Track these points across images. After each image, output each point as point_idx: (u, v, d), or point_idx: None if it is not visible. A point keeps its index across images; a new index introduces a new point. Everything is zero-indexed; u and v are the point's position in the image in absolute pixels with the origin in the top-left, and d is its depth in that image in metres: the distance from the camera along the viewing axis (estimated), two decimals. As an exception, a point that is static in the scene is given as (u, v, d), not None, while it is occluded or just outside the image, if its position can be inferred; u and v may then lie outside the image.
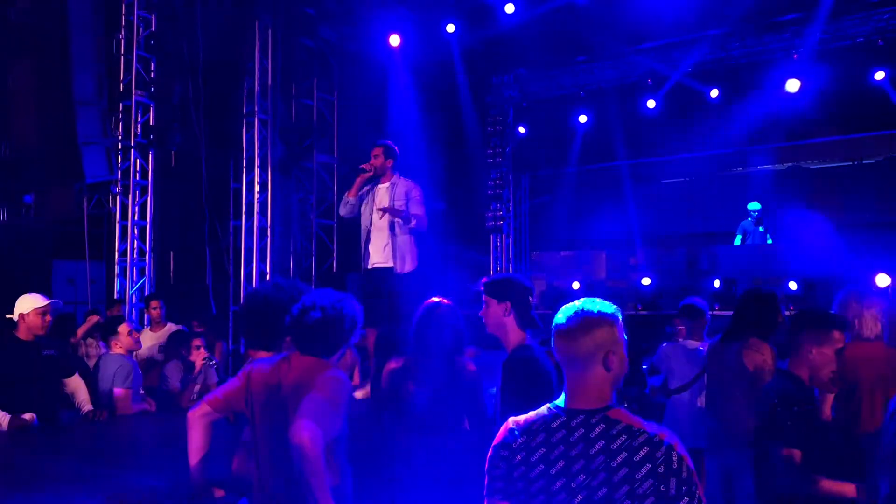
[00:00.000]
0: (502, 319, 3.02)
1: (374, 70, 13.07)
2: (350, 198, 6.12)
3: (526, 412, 2.01)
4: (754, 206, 11.89)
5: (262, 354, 3.04)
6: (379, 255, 5.94)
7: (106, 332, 5.40)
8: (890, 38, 9.72)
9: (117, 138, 9.52)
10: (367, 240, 6.02)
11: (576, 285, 11.36)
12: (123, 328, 5.20)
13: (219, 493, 2.76)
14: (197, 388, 5.29)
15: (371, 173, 6.07)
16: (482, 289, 3.12)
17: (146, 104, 9.79)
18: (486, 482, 1.96)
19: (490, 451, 1.97)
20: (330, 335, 2.70)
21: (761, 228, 11.82)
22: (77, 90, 8.39)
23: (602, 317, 1.92)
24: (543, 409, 1.97)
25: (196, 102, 9.67)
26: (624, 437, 1.84)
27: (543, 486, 1.85)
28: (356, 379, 6.79)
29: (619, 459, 1.81)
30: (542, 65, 12.13)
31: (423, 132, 14.57)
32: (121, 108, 9.65)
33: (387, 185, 6.07)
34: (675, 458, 1.81)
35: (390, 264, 5.91)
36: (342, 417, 2.59)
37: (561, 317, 1.96)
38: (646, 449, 1.81)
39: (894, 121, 10.30)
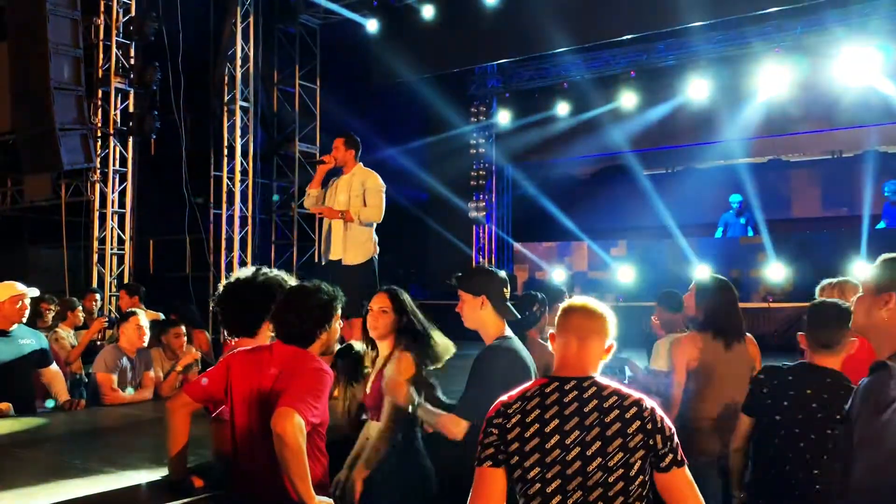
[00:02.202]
0: (479, 313, 2.96)
1: (357, 57, 13.01)
2: (312, 190, 6.02)
3: (484, 397, 2.30)
4: (736, 198, 12.00)
5: (243, 342, 3.01)
6: (338, 247, 5.86)
7: (121, 320, 5.29)
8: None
9: (96, 125, 9.38)
10: (329, 231, 5.94)
11: (559, 276, 11.39)
12: (134, 320, 5.10)
13: (198, 483, 2.74)
14: (179, 378, 5.24)
15: (332, 164, 5.97)
16: (455, 283, 3.05)
17: (125, 91, 9.65)
18: (477, 453, 2.08)
19: (483, 425, 2.11)
20: (309, 325, 2.69)
21: (742, 220, 11.93)
22: (54, 75, 8.24)
23: (607, 309, 2.23)
24: (534, 382, 2.16)
25: (176, 89, 9.56)
26: (615, 397, 2.04)
27: (538, 445, 2.00)
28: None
29: (611, 416, 2.01)
30: (525, 55, 12.10)
31: (406, 122, 14.54)
32: (99, 95, 9.51)
33: (348, 175, 5.95)
34: (658, 418, 2.03)
35: (339, 256, 5.85)
36: (324, 406, 2.58)
37: (575, 300, 2.27)
38: (635, 408, 2.02)
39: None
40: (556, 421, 2.01)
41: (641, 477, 1.99)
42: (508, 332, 2.99)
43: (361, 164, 6.00)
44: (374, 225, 5.95)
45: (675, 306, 4.81)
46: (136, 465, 3.29)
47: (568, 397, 2.04)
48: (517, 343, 2.96)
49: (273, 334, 2.84)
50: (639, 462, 1.98)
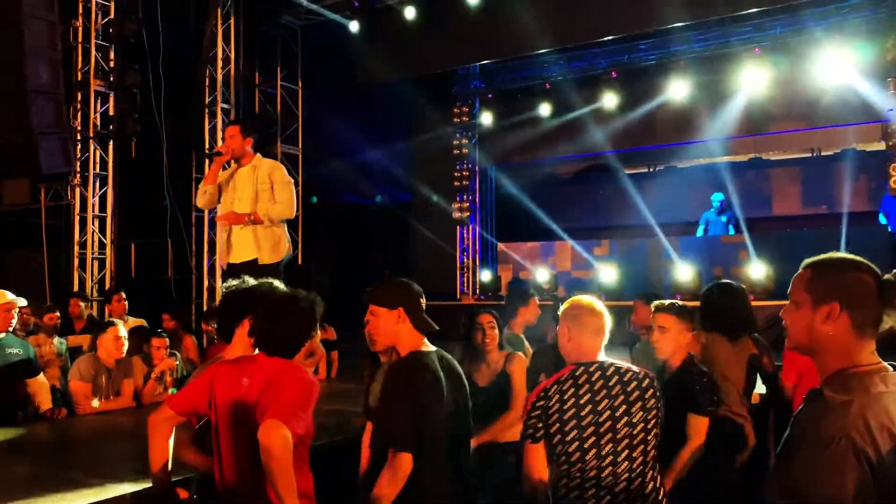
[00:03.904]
0: (395, 327, 2.78)
1: (340, 59, 12.96)
2: (208, 186, 5.29)
3: (411, 419, 2.54)
4: (717, 196, 12.09)
5: (228, 350, 2.99)
6: (242, 247, 5.21)
7: (98, 330, 5.19)
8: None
9: (75, 128, 9.28)
10: (230, 231, 5.26)
11: (543, 275, 11.43)
12: (113, 330, 5.03)
13: (183, 494, 2.73)
14: (159, 386, 5.21)
15: (228, 156, 5.29)
16: (368, 299, 2.87)
17: (105, 94, 9.56)
18: (522, 431, 2.67)
19: (527, 407, 2.68)
20: (292, 337, 2.67)
21: (724, 218, 12.02)
22: (31, 79, 8.14)
23: (603, 306, 2.83)
24: (563, 370, 2.70)
25: (157, 92, 9.48)
26: (630, 373, 2.70)
27: (575, 415, 2.60)
28: (322, 372, 6.78)
29: (631, 387, 2.66)
30: (507, 57, 12.12)
31: (389, 122, 14.52)
32: (79, 98, 9.40)
33: (248, 167, 5.28)
34: (658, 388, 2.74)
35: (254, 256, 5.20)
36: (310, 418, 2.57)
37: (582, 299, 2.83)
38: (647, 380, 2.71)
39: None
40: (588, 395, 2.62)
41: (656, 429, 2.68)
42: (427, 345, 2.82)
43: (260, 154, 5.40)
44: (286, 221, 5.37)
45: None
46: (120, 476, 3.27)
47: (594, 377, 2.65)
48: (433, 359, 2.76)
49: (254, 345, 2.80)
50: (654, 419, 2.67)
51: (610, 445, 2.59)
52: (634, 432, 2.62)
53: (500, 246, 13.34)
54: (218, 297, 8.78)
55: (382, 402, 2.73)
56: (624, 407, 2.62)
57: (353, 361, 7.22)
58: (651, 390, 2.69)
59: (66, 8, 9.12)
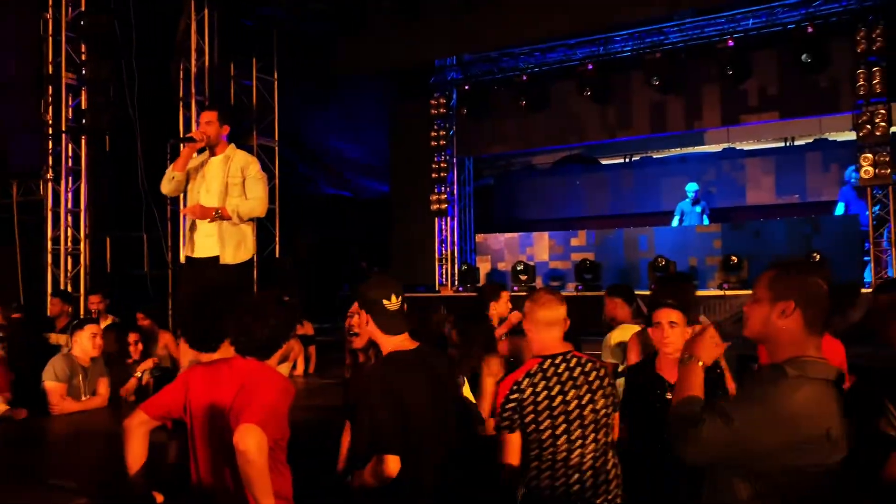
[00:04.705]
0: (367, 329, 2.81)
1: (317, 50, 12.87)
2: (176, 172, 4.91)
3: (393, 420, 2.59)
4: (692, 186, 12.21)
5: (204, 356, 3.00)
6: (205, 242, 4.93)
7: (75, 328, 5.10)
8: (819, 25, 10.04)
9: (47, 122, 9.16)
10: (193, 224, 4.99)
11: (520, 267, 11.50)
12: (89, 329, 4.99)
13: (159, 498, 2.74)
14: (133, 382, 5.19)
15: (203, 143, 4.90)
16: (354, 297, 2.92)
17: (77, 87, 9.43)
18: (496, 424, 2.90)
19: (501, 401, 2.88)
20: (269, 339, 2.68)
21: (698, 209, 12.15)
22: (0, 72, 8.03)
23: (561, 297, 3.00)
24: (531, 363, 2.91)
25: (130, 84, 9.37)
26: (590, 364, 2.96)
27: (547, 405, 2.83)
28: (300, 368, 6.78)
29: (592, 375, 2.92)
30: (483, 51, 12.13)
31: (366, 114, 14.48)
32: (50, 92, 9.28)
33: (221, 157, 4.97)
34: (611, 375, 3.05)
35: (217, 253, 4.90)
36: (286, 421, 2.59)
37: (539, 296, 2.98)
38: (602, 370, 2.98)
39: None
40: (558, 386, 2.85)
41: (615, 413, 3.01)
42: (410, 342, 2.79)
43: (234, 145, 5.10)
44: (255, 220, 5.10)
45: (627, 297, 4.91)
46: (96, 477, 3.26)
47: (560, 368, 2.89)
48: (410, 359, 2.74)
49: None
50: (612, 405, 2.97)
51: (579, 431, 2.85)
52: (598, 417, 2.89)
53: (479, 237, 13.39)
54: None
55: (362, 405, 2.73)
56: (589, 395, 2.88)
57: (331, 356, 7.21)
58: (607, 378, 2.97)
59: (36, 0, 8.98)
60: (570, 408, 2.85)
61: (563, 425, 2.84)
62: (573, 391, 2.86)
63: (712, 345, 2.12)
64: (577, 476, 2.84)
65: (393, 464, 2.57)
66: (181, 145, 4.95)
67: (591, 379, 2.90)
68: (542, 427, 2.84)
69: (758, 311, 2.00)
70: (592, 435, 2.86)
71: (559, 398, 2.84)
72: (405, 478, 2.60)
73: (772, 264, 2.05)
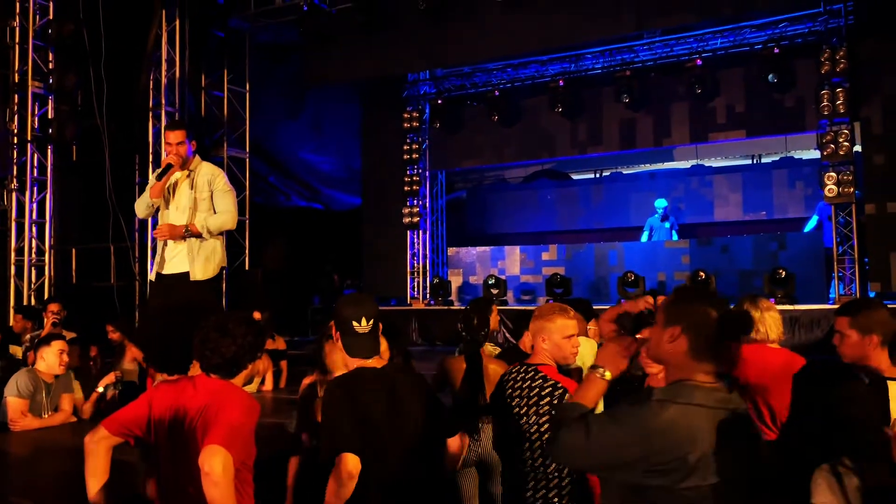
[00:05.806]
0: (336, 345, 2.77)
1: (289, 62, 12.84)
2: (154, 200, 4.92)
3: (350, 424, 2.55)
4: (661, 202, 12.36)
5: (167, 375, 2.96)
6: (174, 258, 4.88)
7: (42, 343, 4.93)
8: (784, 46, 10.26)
9: (12, 132, 9.01)
10: (165, 241, 4.92)
11: (491, 281, 11.53)
12: (56, 345, 4.88)
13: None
14: (94, 397, 5.09)
15: (178, 167, 4.87)
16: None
17: (44, 96, 9.30)
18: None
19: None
20: (234, 357, 2.65)
21: (667, 224, 12.30)
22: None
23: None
24: (515, 366, 3.19)
25: (98, 94, 9.26)
26: (540, 377, 3.07)
27: (518, 410, 3.06)
28: (269, 383, 6.70)
29: (538, 384, 3.06)
30: (457, 63, 12.19)
31: (338, 126, 14.45)
32: (16, 100, 9.13)
33: (185, 173, 4.92)
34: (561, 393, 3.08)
35: (186, 269, 4.85)
36: (252, 440, 2.56)
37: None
38: (552, 381, 3.06)
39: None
40: (526, 391, 3.08)
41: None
42: (373, 363, 2.70)
43: (199, 156, 5.02)
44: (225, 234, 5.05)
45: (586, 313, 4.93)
46: (58, 496, 3.20)
47: (526, 378, 3.10)
48: (355, 380, 2.66)
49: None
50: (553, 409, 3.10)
51: (536, 427, 3.04)
52: (543, 418, 3.09)
53: (451, 250, 13.40)
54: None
55: (324, 415, 2.65)
56: (536, 399, 3.09)
57: (303, 370, 7.13)
58: (552, 388, 3.10)
59: (3, 7, 8.86)
60: (528, 409, 3.12)
61: (525, 419, 3.13)
62: (535, 398, 3.09)
63: (619, 357, 2.16)
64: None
65: (352, 461, 2.47)
66: (162, 176, 4.91)
67: (544, 392, 3.07)
68: (511, 422, 3.15)
69: (653, 334, 2.07)
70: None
71: (525, 406, 3.10)
72: (367, 484, 2.51)
73: (674, 289, 2.13)
